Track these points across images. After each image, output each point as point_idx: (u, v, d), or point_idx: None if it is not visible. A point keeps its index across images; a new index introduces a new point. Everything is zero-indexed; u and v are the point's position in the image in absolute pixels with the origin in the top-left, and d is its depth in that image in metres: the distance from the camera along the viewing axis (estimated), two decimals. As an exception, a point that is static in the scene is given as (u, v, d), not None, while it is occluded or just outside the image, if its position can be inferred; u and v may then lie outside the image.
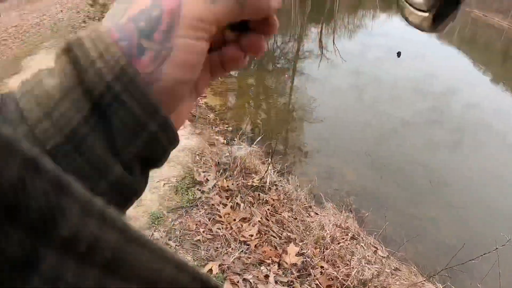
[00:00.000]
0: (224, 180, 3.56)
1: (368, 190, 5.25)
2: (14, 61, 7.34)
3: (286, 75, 8.17)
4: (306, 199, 4.24)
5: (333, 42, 10.68)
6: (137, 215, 3.19)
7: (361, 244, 3.77)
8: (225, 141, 4.32)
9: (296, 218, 3.81)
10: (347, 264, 3.32)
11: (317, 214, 4.11)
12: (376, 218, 4.50)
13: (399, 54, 10.15)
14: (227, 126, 4.97)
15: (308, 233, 3.60)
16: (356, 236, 3.91)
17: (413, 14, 0.27)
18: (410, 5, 0.28)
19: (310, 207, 4.20)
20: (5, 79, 6.68)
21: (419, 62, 10.41)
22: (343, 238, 3.73)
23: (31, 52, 7.63)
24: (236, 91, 6.73)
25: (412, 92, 8.62)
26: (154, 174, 3.53)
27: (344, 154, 5.92)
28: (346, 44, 11.36)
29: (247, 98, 6.84)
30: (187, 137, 3.96)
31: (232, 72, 7.05)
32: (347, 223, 3.97)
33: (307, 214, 4.04)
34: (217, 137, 4.33)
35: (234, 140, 4.30)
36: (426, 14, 0.26)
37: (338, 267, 3.30)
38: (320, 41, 10.95)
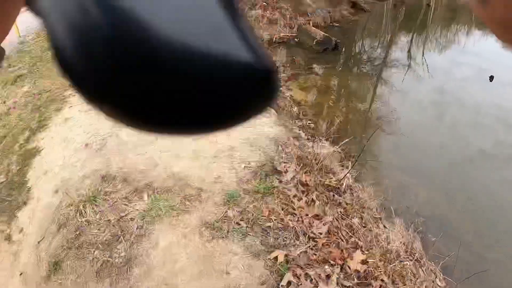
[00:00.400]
0: (303, 175, 3.59)
1: (437, 215, 5.05)
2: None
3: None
4: (376, 210, 4.18)
5: (423, 55, 10.26)
6: (213, 191, 3.32)
7: (423, 268, 3.67)
8: (306, 136, 4.34)
9: (365, 226, 3.77)
10: (405, 284, 3.25)
11: (385, 227, 4.04)
12: (440, 246, 4.34)
13: (491, 78, 9.54)
14: (309, 122, 4.99)
15: (375, 244, 3.55)
16: (419, 259, 3.80)
17: None
18: None
19: (380, 219, 4.14)
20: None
21: (511, 91, 9.71)
22: (407, 258, 3.65)
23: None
24: (320, 89, 6.71)
25: (497, 122, 8.06)
26: (235, 154, 3.64)
27: (418, 173, 5.71)
28: (435, 58, 10.83)
29: (328, 97, 6.79)
30: (271, 126, 4.03)
31: (319, 70, 7.04)
32: (413, 243, 3.87)
33: (376, 225, 3.98)
34: (298, 131, 4.36)
35: (315, 137, 4.31)
36: None
37: (397, 284, 3.24)
38: (409, 52, 10.57)
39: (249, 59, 0.13)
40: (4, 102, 6.11)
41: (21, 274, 3.41)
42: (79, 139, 4.25)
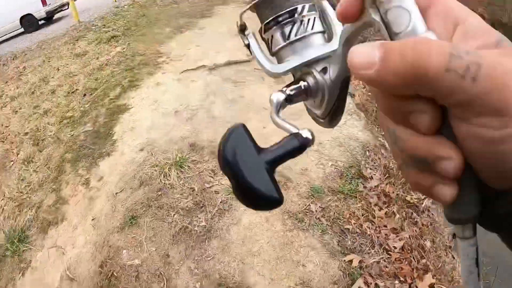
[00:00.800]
0: (387, 185, 3.50)
1: (501, 260, 4.78)
2: (208, 6, 7.98)
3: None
4: (448, 237, 4.03)
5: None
6: (299, 182, 3.30)
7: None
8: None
9: (435, 251, 3.64)
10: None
11: (453, 258, 3.88)
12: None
13: None
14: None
15: (443, 271, 3.43)
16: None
17: (316, 120, 0.42)
18: (313, 114, 0.42)
19: (450, 247, 3.98)
20: (196, 18, 7.31)
21: None
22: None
23: (223, 3, 8.20)
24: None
25: None
26: (324, 151, 3.59)
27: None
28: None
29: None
30: (360, 130, 3.94)
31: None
32: (478, 281, 3.70)
33: (445, 253, 3.83)
34: (383, 140, 4.24)
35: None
36: (324, 120, 0.40)
37: (458, 319, 3.12)
38: None
39: (276, 195, 0.30)
40: (97, 58, 6.42)
41: (93, 219, 3.56)
42: (170, 104, 4.36)
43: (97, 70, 5.90)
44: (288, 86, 0.37)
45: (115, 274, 3.04)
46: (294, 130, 0.32)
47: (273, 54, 0.41)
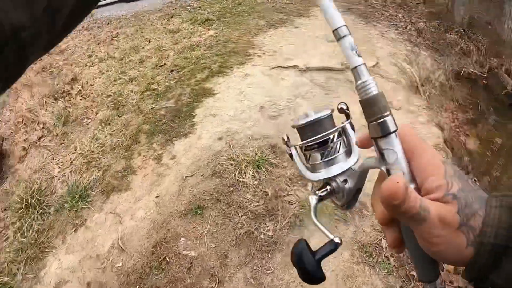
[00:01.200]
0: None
1: None
2: (306, 6, 7.79)
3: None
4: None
5: None
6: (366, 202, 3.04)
7: None
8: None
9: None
10: None
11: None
12: None
13: None
14: (475, 179, 4.42)
15: None
16: None
17: (336, 206, 0.60)
18: (334, 202, 0.61)
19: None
20: (292, 16, 7.14)
21: None
22: None
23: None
24: (495, 146, 5.87)
25: None
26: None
27: None
28: None
29: (499, 157, 5.92)
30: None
31: (497, 123, 6.22)
32: None
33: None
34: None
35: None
36: (342, 207, 0.59)
37: None
38: None
39: (322, 277, 0.48)
40: (189, 38, 6.45)
41: (157, 196, 3.48)
42: (256, 98, 4.22)
43: (187, 49, 5.90)
44: (319, 189, 0.59)
45: (167, 259, 2.95)
46: (330, 236, 0.53)
47: (308, 162, 0.61)
